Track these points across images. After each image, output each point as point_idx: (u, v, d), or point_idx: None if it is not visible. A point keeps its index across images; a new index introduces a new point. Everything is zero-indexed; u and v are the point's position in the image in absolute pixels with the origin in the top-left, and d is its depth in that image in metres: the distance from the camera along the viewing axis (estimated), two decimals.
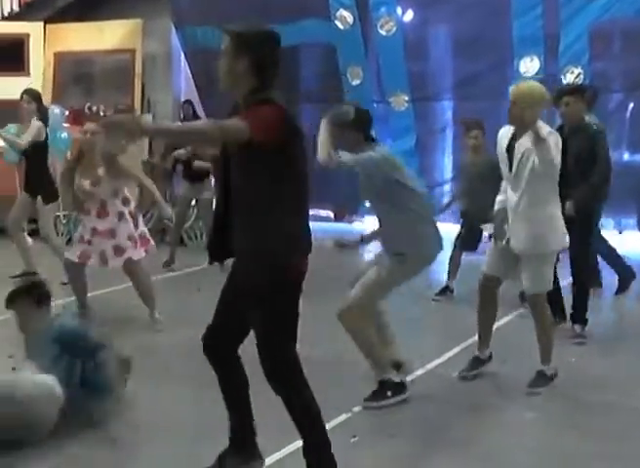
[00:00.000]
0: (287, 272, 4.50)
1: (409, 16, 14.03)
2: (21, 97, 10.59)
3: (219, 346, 4.84)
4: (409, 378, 6.61)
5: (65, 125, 13.57)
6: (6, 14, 16.70)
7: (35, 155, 10.31)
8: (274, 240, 4.45)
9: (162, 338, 8.23)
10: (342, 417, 6.00)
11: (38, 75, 15.31)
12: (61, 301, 8.91)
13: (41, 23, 15.58)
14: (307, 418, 4.66)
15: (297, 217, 4.55)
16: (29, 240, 11.13)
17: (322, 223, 13.48)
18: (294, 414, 4.66)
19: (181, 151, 11.56)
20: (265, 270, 4.46)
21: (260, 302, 4.52)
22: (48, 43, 15.48)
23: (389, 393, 6.30)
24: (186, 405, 6.41)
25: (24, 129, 10.43)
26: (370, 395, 6.30)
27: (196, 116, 13.64)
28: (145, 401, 6.42)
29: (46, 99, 13.88)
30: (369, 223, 15.00)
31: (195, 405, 6.37)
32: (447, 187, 14.23)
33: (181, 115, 14.55)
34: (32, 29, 15.50)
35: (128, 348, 7.55)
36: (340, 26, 13.99)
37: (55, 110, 13.20)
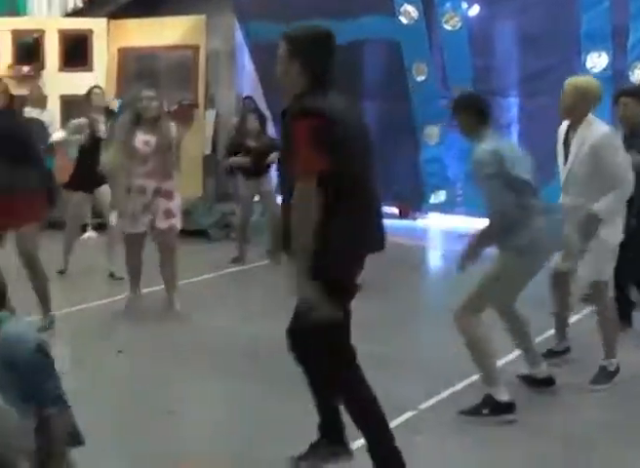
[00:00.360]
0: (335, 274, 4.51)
1: (474, 10, 13.85)
2: (91, 89, 10.66)
3: (300, 342, 4.85)
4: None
5: None
6: (70, 10, 16.86)
7: (93, 150, 10.31)
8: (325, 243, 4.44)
9: (220, 336, 8.20)
10: (408, 415, 5.94)
11: (102, 71, 15.39)
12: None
13: (104, 20, 15.66)
14: (364, 415, 4.69)
15: (355, 217, 4.53)
16: (94, 234, 11.20)
17: (387, 220, 13.33)
18: (349, 411, 4.71)
19: (237, 159, 11.62)
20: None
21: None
22: (111, 39, 15.54)
23: (486, 411, 5.94)
24: (251, 402, 6.37)
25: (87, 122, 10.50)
26: (469, 407, 6.00)
27: (258, 111, 13.59)
28: (206, 397, 6.40)
29: (109, 95, 13.98)
30: (433, 220, 14.93)
31: (260, 402, 6.32)
32: None
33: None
34: (96, 25, 15.58)
35: (185, 345, 7.59)
36: (405, 22, 13.85)
37: (118, 105, 13.26)
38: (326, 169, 4.34)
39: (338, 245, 4.46)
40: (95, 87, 10.98)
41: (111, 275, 10.44)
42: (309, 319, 4.51)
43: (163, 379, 6.92)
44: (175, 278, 9.04)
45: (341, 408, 4.87)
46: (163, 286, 9.15)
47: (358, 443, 5.06)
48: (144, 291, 9.14)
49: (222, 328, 8.39)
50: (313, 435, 5.03)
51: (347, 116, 4.53)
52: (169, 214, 8.79)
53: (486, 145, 5.90)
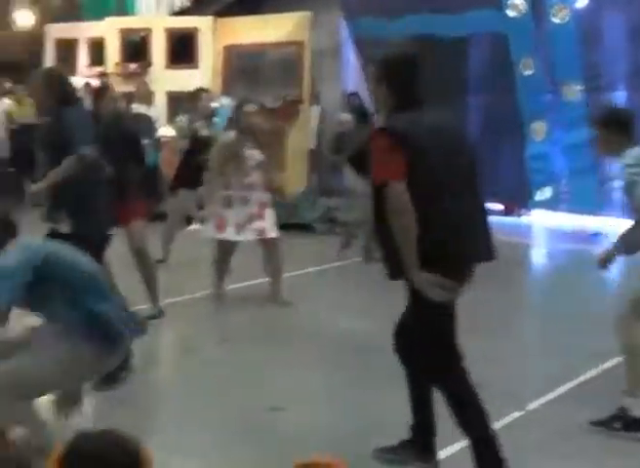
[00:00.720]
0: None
1: (583, 2, 13.61)
2: (198, 93, 10.77)
3: (403, 343, 4.89)
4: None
5: None
6: (177, 9, 17.10)
7: (197, 151, 10.41)
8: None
9: (322, 328, 8.21)
10: (515, 415, 5.82)
11: (207, 68, 15.54)
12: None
13: (211, 18, 15.83)
14: (466, 413, 4.66)
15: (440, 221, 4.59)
16: (199, 226, 11.30)
17: (492, 217, 13.18)
18: (451, 407, 4.69)
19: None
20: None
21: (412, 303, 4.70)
22: (217, 36, 15.68)
23: (618, 425, 5.53)
24: (351, 395, 6.35)
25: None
26: (602, 418, 5.60)
27: (362, 108, 13.57)
28: (307, 389, 6.40)
29: (215, 91, 14.12)
30: (537, 217, 14.72)
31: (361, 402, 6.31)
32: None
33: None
34: (202, 23, 15.76)
35: (287, 335, 7.60)
36: (512, 15, 13.69)
37: (224, 101, 13.38)
38: (403, 176, 4.48)
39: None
40: (202, 90, 11.05)
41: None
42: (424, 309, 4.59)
43: (264, 370, 6.93)
44: (280, 272, 9.14)
45: (436, 413, 4.90)
46: (267, 278, 9.23)
47: (449, 450, 5.04)
48: (249, 283, 9.19)
49: (325, 320, 8.39)
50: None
51: (430, 131, 4.64)
52: (273, 223, 9.01)
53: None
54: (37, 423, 4.66)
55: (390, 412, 5.44)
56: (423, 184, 4.52)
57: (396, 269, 4.62)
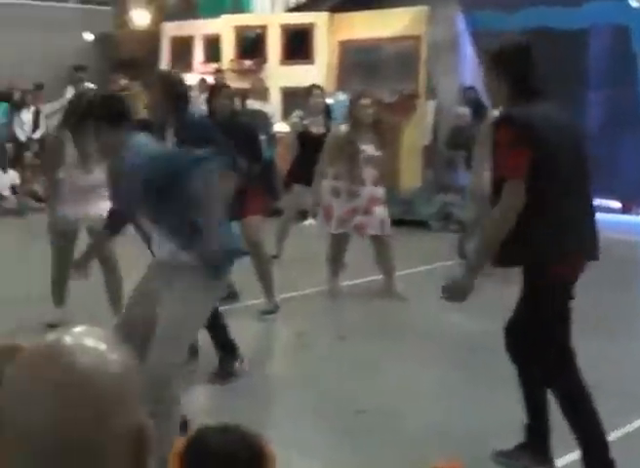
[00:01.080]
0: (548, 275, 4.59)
1: None
2: (310, 89, 10.76)
3: (515, 342, 4.86)
4: None
5: None
6: (292, 5, 17.16)
7: (311, 147, 10.38)
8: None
9: (436, 326, 8.11)
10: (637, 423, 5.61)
11: (323, 64, 15.56)
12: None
13: (326, 13, 15.84)
14: (580, 416, 4.60)
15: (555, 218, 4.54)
16: (314, 222, 11.27)
17: (609, 215, 12.89)
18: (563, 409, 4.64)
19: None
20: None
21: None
22: (333, 32, 15.70)
23: None
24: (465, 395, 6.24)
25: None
26: None
27: (479, 102, 13.39)
28: (420, 387, 6.31)
29: (329, 87, 14.11)
30: None
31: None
32: None
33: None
34: (318, 19, 15.81)
35: (401, 332, 7.53)
36: (635, 5, 13.34)
37: (340, 97, 13.36)
38: (524, 174, 4.45)
39: (536, 245, 4.54)
40: (314, 87, 11.02)
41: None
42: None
43: (380, 367, 6.90)
44: (392, 268, 9.11)
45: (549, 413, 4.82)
46: (380, 275, 9.20)
47: (565, 459, 4.92)
48: (365, 279, 9.15)
49: (439, 318, 8.25)
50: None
51: (550, 123, 4.59)
52: (383, 222, 8.95)
53: None
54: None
55: (507, 413, 5.31)
56: (543, 178, 4.48)
57: (510, 256, 4.62)
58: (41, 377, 1.41)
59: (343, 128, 9.07)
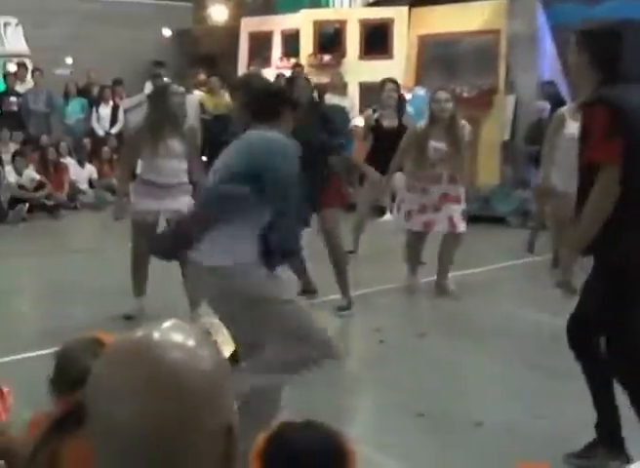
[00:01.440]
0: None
1: None
2: (383, 84, 10.69)
3: (579, 338, 4.81)
4: None
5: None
6: (371, 0, 17.12)
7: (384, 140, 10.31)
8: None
9: (512, 323, 8.01)
10: None
11: (401, 58, 15.48)
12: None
13: (406, 8, 15.76)
14: None
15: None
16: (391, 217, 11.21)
17: None
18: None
19: None
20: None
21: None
22: (412, 26, 15.62)
23: None
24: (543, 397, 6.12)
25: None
26: None
27: (558, 97, 13.18)
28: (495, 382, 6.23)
29: (408, 82, 14.04)
30: None
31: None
32: None
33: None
34: (397, 14, 15.76)
35: (479, 329, 7.44)
36: None
37: (419, 92, 13.26)
38: (621, 159, 4.33)
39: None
40: (388, 81, 10.92)
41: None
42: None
43: (460, 366, 6.86)
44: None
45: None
46: (459, 271, 9.23)
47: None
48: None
49: (518, 317, 8.18)
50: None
51: None
52: (452, 219, 8.82)
53: None
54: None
55: (590, 414, 5.18)
56: (633, 167, 4.37)
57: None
58: (129, 373, 1.39)
59: (418, 124, 9.04)
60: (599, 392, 4.80)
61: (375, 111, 10.73)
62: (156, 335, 1.44)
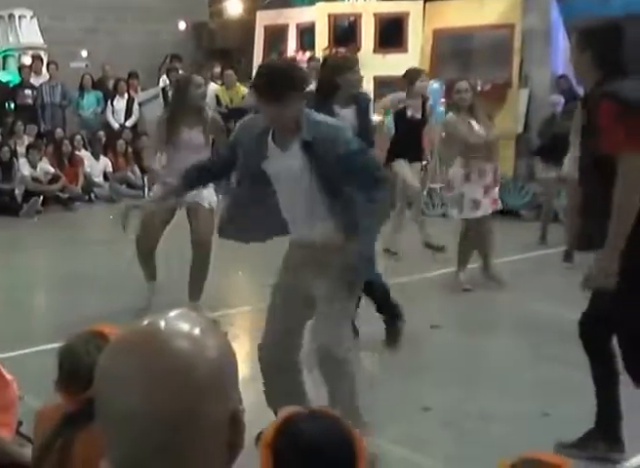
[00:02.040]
0: None
1: None
2: (420, 73, 10.67)
3: (591, 332, 4.81)
4: None
5: (442, 100, 13.58)
6: None
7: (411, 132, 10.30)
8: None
9: (524, 316, 7.99)
10: None
11: (416, 52, 15.48)
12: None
13: (421, 2, 15.80)
14: None
15: None
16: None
17: None
18: None
19: None
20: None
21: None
22: (427, 20, 15.62)
23: None
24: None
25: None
26: None
27: (572, 91, 13.15)
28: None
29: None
30: None
31: None
32: None
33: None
34: (412, 7, 15.77)
35: (493, 322, 7.44)
36: None
37: (433, 85, 13.24)
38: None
39: None
40: (422, 71, 10.89)
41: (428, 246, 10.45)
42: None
43: (476, 360, 6.90)
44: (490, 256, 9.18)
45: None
46: (476, 264, 9.20)
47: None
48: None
49: (536, 309, 8.16)
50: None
51: None
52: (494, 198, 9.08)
53: None
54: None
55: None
56: None
57: (589, 241, 4.57)
58: (136, 361, 1.41)
59: (450, 116, 9.18)
60: (602, 385, 4.82)
61: (400, 100, 10.65)
62: (162, 324, 1.46)
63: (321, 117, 4.64)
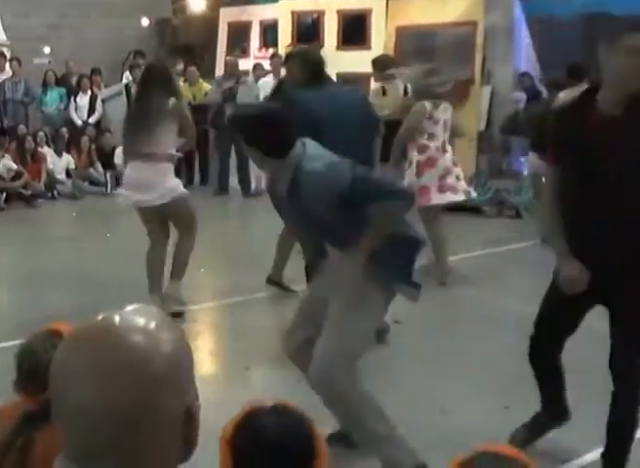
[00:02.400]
0: None
1: None
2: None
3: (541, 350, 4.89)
4: None
5: None
6: None
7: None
8: None
9: (489, 311, 8.05)
10: None
11: (379, 49, 15.48)
12: None
13: None
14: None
15: None
16: None
17: None
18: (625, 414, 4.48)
19: None
20: None
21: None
22: (390, 17, 15.64)
23: None
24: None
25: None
26: None
27: (534, 88, 13.26)
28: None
29: None
30: None
31: None
32: None
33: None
34: (375, 5, 15.75)
35: (454, 317, 7.47)
36: None
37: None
38: None
39: None
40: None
41: None
42: None
43: (436, 359, 6.90)
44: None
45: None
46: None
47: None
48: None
49: (500, 305, 8.23)
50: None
51: None
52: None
53: None
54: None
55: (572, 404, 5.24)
56: None
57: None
58: (90, 356, 1.43)
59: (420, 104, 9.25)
60: (549, 374, 4.90)
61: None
62: (117, 319, 1.47)
63: (314, 165, 4.31)
